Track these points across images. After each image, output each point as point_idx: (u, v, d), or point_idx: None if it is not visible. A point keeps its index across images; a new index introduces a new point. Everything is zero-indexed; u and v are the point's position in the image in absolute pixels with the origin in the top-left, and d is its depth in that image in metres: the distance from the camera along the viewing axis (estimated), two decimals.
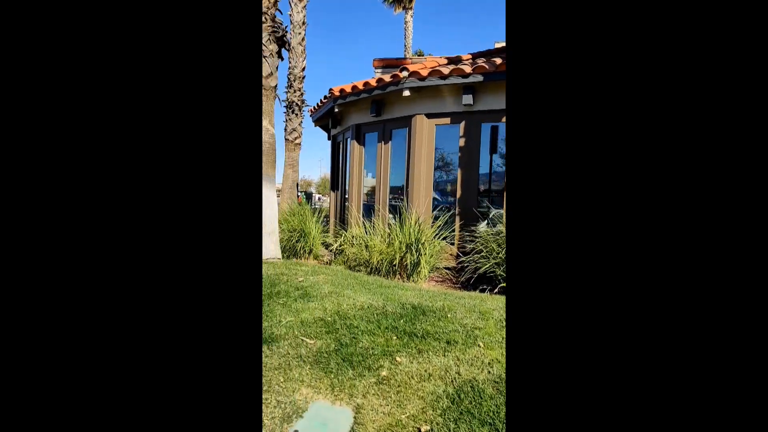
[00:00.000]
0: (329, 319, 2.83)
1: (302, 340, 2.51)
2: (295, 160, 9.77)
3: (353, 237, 5.03)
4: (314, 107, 7.68)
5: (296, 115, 9.72)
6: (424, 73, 4.81)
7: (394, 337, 2.54)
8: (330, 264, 5.24)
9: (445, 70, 4.69)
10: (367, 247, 4.57)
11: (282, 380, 2.10)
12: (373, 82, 5.33)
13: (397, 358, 2.28)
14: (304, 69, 9.70)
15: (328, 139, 8.46)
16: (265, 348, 2.39)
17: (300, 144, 9.87)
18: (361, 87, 5.52)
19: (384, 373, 2.16)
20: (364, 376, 2.14)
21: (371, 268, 4.42)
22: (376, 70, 8.91)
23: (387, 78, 5.15)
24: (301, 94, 9.76)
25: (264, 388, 2.03)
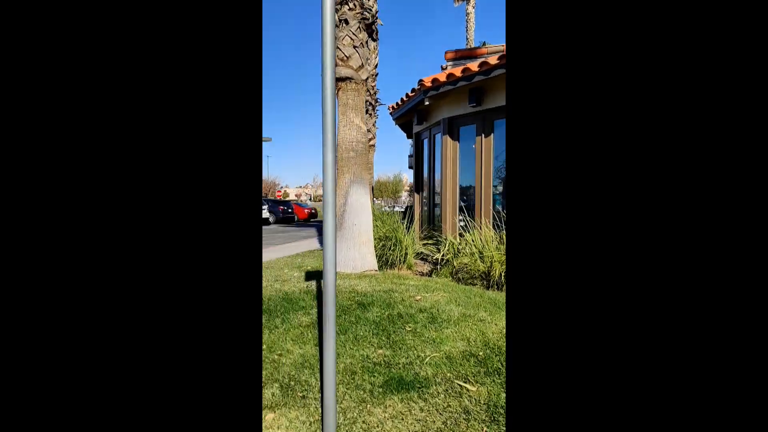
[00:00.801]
0: (480, 354, 2.24)
1: (459, 385, 1.94)
2: (370, 162, 9.38)
3: (460, 245, 4.41)
4: (395, 104, 7.18)
5: (370, 115, 9.33)
6: None
7: None
8: (431, 275, 4.66)
9: None
10: (482, 256, 3.92)
11: None
12: (474, 67, 4.68)
13: None
14: (376, 66, 9.28)
15: (409, 137, 7.93)
16: (415, 396, 1.86)
17: (375, 145, 9.48)
18: (458, 74, 4.89)
19: None
20: None
21: (491, 282, 3.76)
22: (448, 63, 8.24)
23: (492, 60, 4.47)
24: (375, 93, 9.36)
25: None
